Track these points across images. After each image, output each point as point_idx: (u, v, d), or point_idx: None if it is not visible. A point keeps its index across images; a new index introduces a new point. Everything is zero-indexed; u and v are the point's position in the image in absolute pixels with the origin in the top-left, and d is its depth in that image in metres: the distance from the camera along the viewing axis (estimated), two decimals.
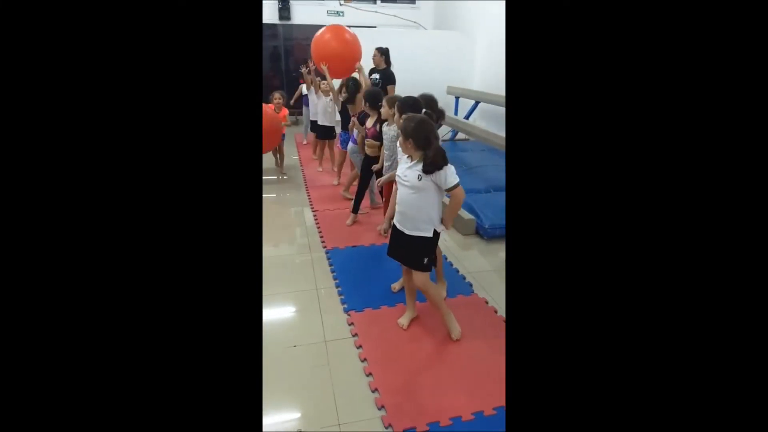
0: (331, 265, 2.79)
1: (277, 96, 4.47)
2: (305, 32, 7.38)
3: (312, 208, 3.77)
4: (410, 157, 1.88)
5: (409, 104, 2.27)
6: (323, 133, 4.57)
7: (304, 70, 4.92)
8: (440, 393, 1.75)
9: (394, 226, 2.02)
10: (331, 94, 4.17)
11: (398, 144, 2.04)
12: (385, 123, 2.78)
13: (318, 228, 3.36)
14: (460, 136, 5.97)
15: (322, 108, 4.45)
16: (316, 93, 4.59)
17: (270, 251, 2.97)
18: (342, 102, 3.73)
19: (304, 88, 5.55)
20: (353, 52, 4.03)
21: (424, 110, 2.18)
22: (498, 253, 3.01)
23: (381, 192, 3.17)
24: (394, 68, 4.16)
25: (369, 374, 1.85)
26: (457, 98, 6.07)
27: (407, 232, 1.94)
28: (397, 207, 1.98)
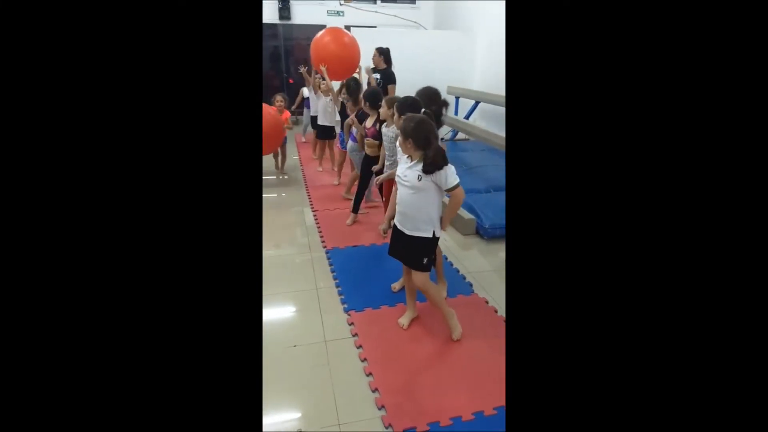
0: (331, 264, 2.79)
1: (279, 99, 4.44)
2: (305, 32, 7.38)
3: (312, 207, 3.78)
4: (410, 157, 1.87)
5: (408, 104, 2.27)
6: (323, 132, 4.57)
7: (303, 69, 4.93)
8: (440, 393, 1.75)
9: (395, 225, 2.02)
10: (330, 94, 4.18)
11: (398, 144, 2.04)
12: (384, 124, 2.78)
13: (318, 228, 3.36)
14: (460, 136, 5.97)
15: (322, 107, 4.45)
16: (316, 93, 4.59)
17: (270, 251, 2.97)
18: (341, 102, 3.74)
19: (305, 91, 5.55)
20: (352, 54, 4.06)
21: (423, 110, 2.18)
22: (498, 253, 3.01)
23: (381, 190, 3.17)
24: (395, 68, 4.16)
25: (369, 374, 1.85)
26: (457, 98, 6.07)
27: (407, 232, 1.94)
28: (397, 207, 1.97)
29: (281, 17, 7.20)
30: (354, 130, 3.36)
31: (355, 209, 3.40)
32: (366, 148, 3.14)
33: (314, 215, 3.60)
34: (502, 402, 1.69)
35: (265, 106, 3.88)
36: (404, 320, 2.17)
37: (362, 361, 1.93)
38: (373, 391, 1.76)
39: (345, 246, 3.04)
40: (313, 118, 4.78)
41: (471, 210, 3.35)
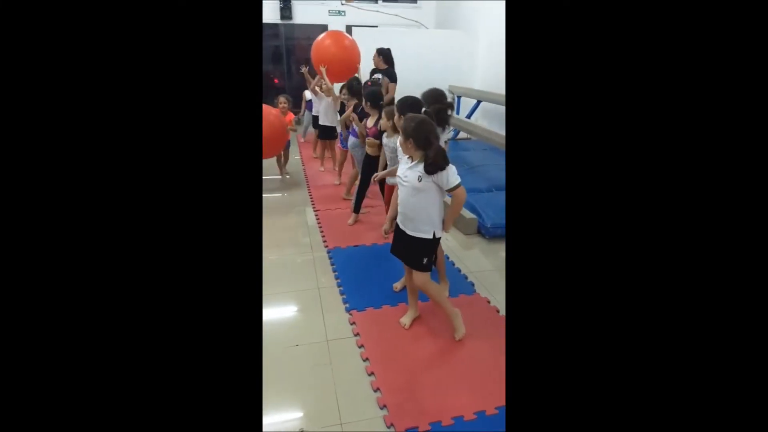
0: (332, 264, 2.79)
1: (282, 100, 4.37)
2: (307, 32, 7.37)
3: (314, 207, 3.78)
4: (411, 157, 1.87)
5: (409, 104, 2.26)
6: (325, 132, 4.57)
7: (304, 69, 4.93)
8: (442, 392, 1.75)
9: (397, 224, 2.02)
10: (330, 94, 4.18)
11: (398, 143, 2.03)
12: (384, 134, 2.74)
13: (320, 227, 3.36)
14: (462, 135, 5.97)
15: (324, 108, 4.45)
16: (315, 94, 4.58)
17: (272, 251, 2.97)
18: (341, 102, 3.75)
19: (307, 94, 5.54)
20: (352, 57, 4.13)
21: (423, 109, 2.18)
22: (500, 252, 3.01)
23: (382, 191, 3.17)
24: (396, 68, 4.16)
25: (371, 374, 1.85)
26: (459, 97, 6.06)
27: (408, 232, 1.94)
28: (398, 207, 1.98)
29: (282, 17, 7.20)
30: (354, 126, 3.36)
31: (357, 209, 3.40)
32: (366, 147, 3.14)
33: (316, 215, 3.61)
34: (504, 402, 1.68)
35: (268, 107, 3.85)
36: (406, 320, 2.17)
37: (364, 360, 1.93)
38: (375, 391, 1.76)
39: (346, 246, 3.04)
40: (315, 118, 4.78)
41: (473, 209, 3.34)
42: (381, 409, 1.68)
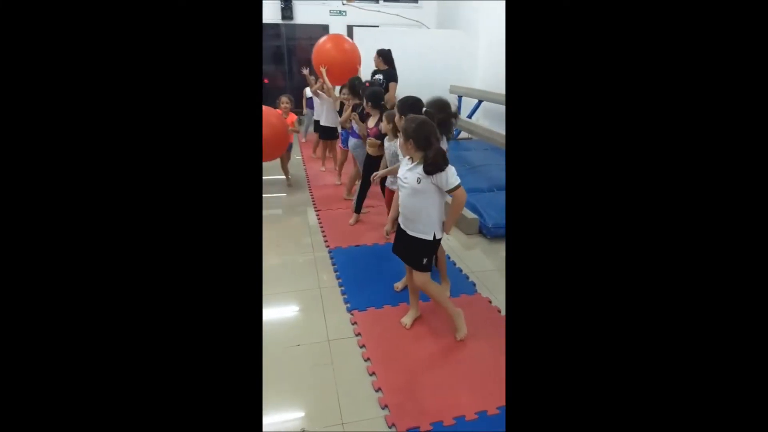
0: (334, 264, 2.79)
1: (284, 100, 4.29)
2: (308, 32, 7.38)
3: (315, 207, 3.78)
4: (411, 158, 1.87)
5: (410, 104, 2.26)
6: (326, 133, 4.57)
7: (305, 71, 4.93)
8: (443, 392, 1.75)
9: (399, 223, 2.02)
10: (331, 95, 4.18)
11: (398, 146, 2.03)
12: (386, 138, 2.73)
13: (321, 227, 3.36)
14: (463, 135, 5.96)
15: (326, 109, 4.45)
16: (314, 94, 4.58)
17: (273, 250, 2.98)
18: (341, 102, 3.76)
19: (307, 91, 5.55)
20: (352, 60, 4.22)
21: (424, 109, 2.17)
22: (501, 252, 3.00)
23: (383, 192, 3.17)
24: (397, 68, 4.16)
25: (372, 373, 1.85)
26: (460, 97, 6.06)
27: (408, 232, 1.95)
28: (399, 208, 1.98)
29: (284, 17, 7.21)
30: (355, 126, 3.35)
31: (358, 209, 3.40)
32: (368, 147, 3.14)
33: (317, 215, 3.61)
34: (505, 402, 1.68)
35: (270, 109, 3.83)
36: (407, 320, 2.17)
37: (365, 360, 1.94)
38: (377, 391, 1.76)
39: (348, 246, 3.04)
40: (316, 122, 4.78)
41: (474, 209, 3.34)
42: (382, 409, 1.68)
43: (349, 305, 2.34)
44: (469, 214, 3.28)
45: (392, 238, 2.12)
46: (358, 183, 3.51)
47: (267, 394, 1.67)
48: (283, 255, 2.94)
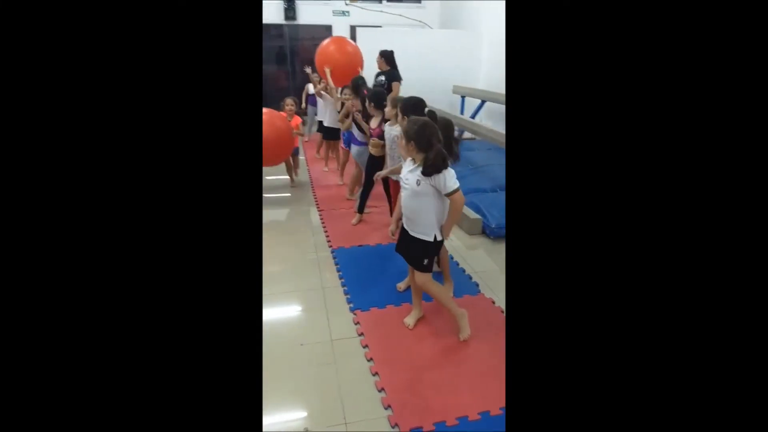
0: (336, 264, 2.79)
1: (289, 102, 4.23)
2: (311, 32, 7.39)
3: (318, 207, 3.78)
4: (413, 160, 1.87)
5: (412, 104, 2.26)
6: (328, 133, 4.58)
7: (308, 70, 4.94)
8: (446, 392, 1.75)
9: (402, 223, 2.03)
10: (333, 95, 4.19)
11: (395, 138, 2.03)
12: (388, 123, 2.76)
13: (324, 227, 3.36)
14: (467, 135, 5.96)
15: (329, 109, 4.45)
16: (317, 95, 4.58)
17: (275, 250, 2.98)
18: (341, 102, 3.76)
19: (309, 87, 5.55)
20: (354, 62, 4.25)
21: (427, 110, 2.17)
22: (504, 252, 3.00)
23: (387, 192, 3.17)
24: (400, 68, 4.16)
25: (375, 373, 1.85)
26: (463, 97, 6.06)
27: (410, 232, 1.96)
28: (401, 208, 1.99)
29: (287, 17, 7.22)
30: (356, 132, 3.36)
31: (361, 209, 3.41)
32: (371, 148, 3.14)
33: (320, 215, 3.61)
34: None
35: (274, 112, 3.80)
36: (410, 320, 2.17)
37: (368, 360, 1.94)
38: (380, 391, 1.76)
39: (350, 246, 3.04)
40: (319, 123, 4.78)
41: (477, 209, 3.34)
42: (385, 409, 1.68)
43: (352, 305, 2.34)
44: (472, 214, 3.28)
45: (397, 237, 2.13)
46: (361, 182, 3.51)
47: (270, 394, 1.67)
48: (286, 255, 2.94)
